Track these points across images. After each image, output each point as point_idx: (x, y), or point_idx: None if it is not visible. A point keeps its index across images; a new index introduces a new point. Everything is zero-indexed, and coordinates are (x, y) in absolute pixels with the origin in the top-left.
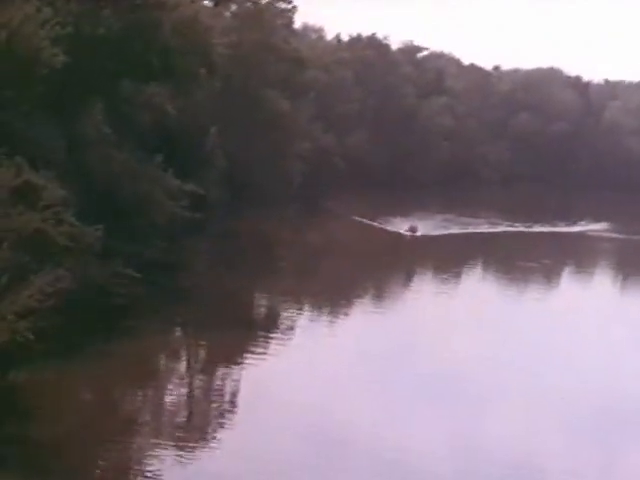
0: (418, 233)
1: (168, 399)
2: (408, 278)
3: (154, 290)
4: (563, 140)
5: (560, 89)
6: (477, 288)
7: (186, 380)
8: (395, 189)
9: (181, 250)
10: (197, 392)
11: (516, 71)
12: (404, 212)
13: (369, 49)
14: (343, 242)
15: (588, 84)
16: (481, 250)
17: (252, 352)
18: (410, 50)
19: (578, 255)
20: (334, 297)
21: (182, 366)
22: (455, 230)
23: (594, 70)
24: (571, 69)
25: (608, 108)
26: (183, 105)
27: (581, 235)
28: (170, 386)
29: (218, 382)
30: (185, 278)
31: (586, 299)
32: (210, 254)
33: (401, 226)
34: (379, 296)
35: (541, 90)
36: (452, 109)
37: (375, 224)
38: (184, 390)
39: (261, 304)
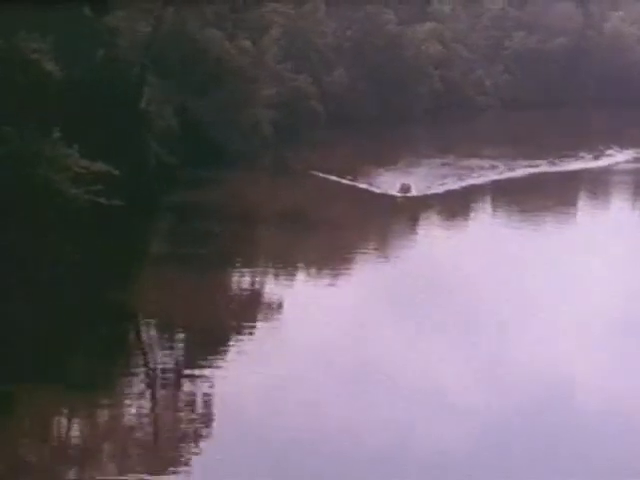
0: (411, 193)
1: None
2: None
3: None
4: (564, 57)
5: (556, 2)
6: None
7: None
8: (383, 128)
9: (101, 248)
10: None
11: None
12: (394, 158)
13: None
14: (315, 216)
15: None
16: (499, 213)
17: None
18: None
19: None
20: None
21: None
22: (459, 181)
23: None
24: None
25: (609, 19)
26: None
27: (614, 171)
28: None
29: None
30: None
31: None
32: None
33: (390, 182)
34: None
35: (535, 5)
36: (440, 34)
37: (358, 185)
38: None
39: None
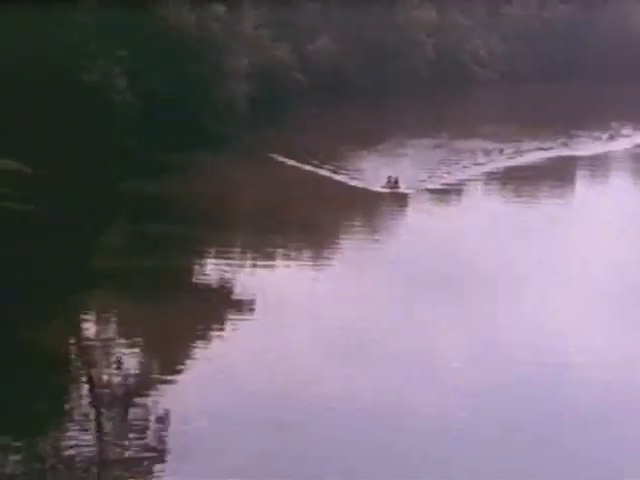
0: (400, 188)
1: None
2: None
3: None
4: (566, 24)
5: None
6: None
7: None
8: (370, 101)
9: None
10: None
11: None
12: (381, 137)
13: None
14: (272, 225)
15: None
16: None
17: None
18: None
19: None
20: None
21: None
22: (458, 171)
23: None
24: None
25: None
26: None
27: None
28: None
29: None
30: None
31: None
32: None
33: (373, 170)
34: None
35: None
36: None
37: (334, 176)
38: None
39: None
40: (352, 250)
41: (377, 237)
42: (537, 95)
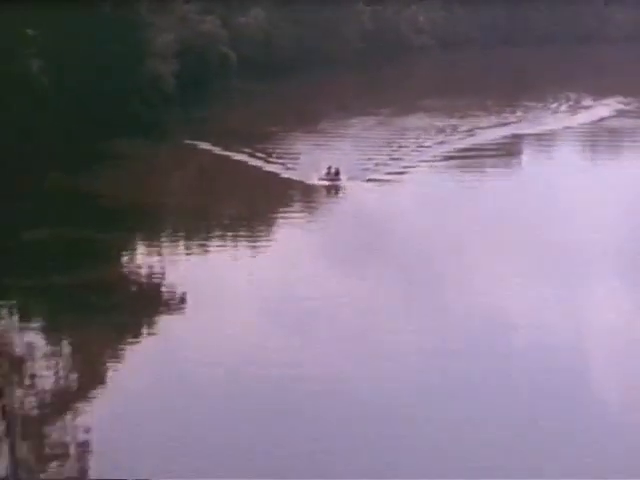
0: (340, 180)
1: None
2: None
3: None
4: None
5: None
6: None
7: None
8: (306, 76)
9: None
10: None
11: None
12: (317, 117)
13: None
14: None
15: None
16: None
17: None
18: None
19: None
20: None
21: None
22: (406, 154)
23: None
24: None
25: None
26: None
27: (610, 131)
28: None
29: None
30: None
31: None
32: None
33: (309, 157)
34: None
35: None
36: None
37: (265, 166)
38: None
39: None
40: (289, 240)
41: (315, 227)
42: (480, 64)
